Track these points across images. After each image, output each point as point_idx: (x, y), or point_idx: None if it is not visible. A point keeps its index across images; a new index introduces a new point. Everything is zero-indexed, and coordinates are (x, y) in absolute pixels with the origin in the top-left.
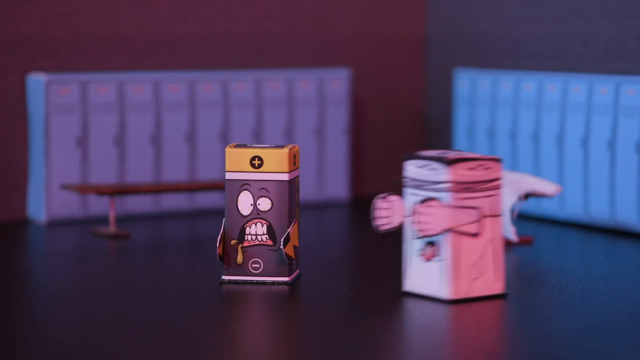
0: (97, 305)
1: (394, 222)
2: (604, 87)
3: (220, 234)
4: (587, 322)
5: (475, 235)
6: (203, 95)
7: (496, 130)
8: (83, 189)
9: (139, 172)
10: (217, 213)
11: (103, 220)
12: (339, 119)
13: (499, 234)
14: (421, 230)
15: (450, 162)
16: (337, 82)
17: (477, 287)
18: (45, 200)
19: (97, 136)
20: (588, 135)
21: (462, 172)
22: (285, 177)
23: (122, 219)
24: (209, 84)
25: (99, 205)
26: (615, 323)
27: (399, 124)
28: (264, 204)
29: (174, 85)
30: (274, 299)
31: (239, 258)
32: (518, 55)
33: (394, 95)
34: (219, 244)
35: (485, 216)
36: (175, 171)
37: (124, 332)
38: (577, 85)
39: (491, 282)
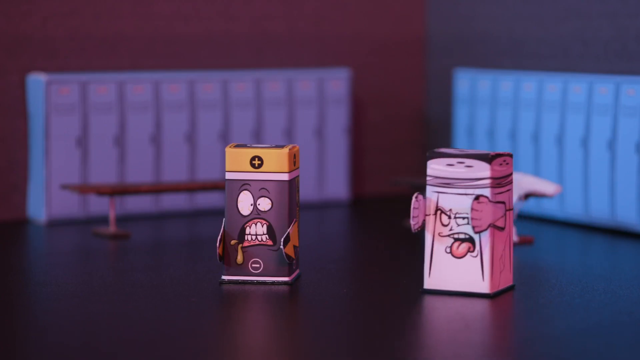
0: (97, 305)
1: (420, 221)
2: (604, 87)
3: (220, 234)
4: (587, 322)
5: (502, 229)
6: (203, 95)
7: (496, 130)
8: (83, 189)
9: (139, 172)
10: (217, 213)
11: (103, 220)
12: (339, 119)
13: (511, 227)
14: (475, 227)
15: (491, 159)
16: (337, 82)
17: (502, 280)
18: (45, 200)
19: (97, 136)
20: (588, 135)
21: (496, 168)
22: (285, 177)
23: (122, 219)
24: (209, 84)
25: (99, 205)
26: (615, 323)
27: (399, 124)
28: (264, 204)
29: (174, 85)
30: (274, 299)
31: (239, 258)
32: (518, 55)
33: (394, 95)
34: (219, 244)
35: (506, 210)
36: (175, 171)
37: (124, 332)
38: (577, 85)
39: (508, 274)
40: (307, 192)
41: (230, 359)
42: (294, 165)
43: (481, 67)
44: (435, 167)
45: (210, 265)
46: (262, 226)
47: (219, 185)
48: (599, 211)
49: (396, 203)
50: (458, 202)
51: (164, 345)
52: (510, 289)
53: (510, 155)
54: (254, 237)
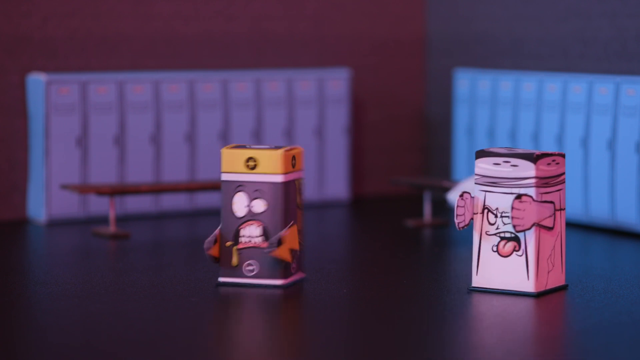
0: (97, 305)
1: (467, 220)
2: (604, 87)
3: (213, 235)
4: (587, 322)
5: (550, 229)
6: (203, 95)
7: (496, 130)
8: (83, 189)
9: (139, 172)
10: (217, 213)
11: (103, 220)
12: (339, 119)
13: (564, 227)
14: (516, 226)
15: (536, 159)
16: (337, 82)
17: (551, 280)
18: (45, 200)
19: (97, 136)
20: (588, 135)
21: (543, 168)
22: (279, 178)
23: (122, 219)
24: (209, 84)
25: (99, 205)
26: (615, 323)
27: (399, 124)
28: (259, 206)
29: (174, 85)
30: (273, 300)
31: (234, 260)
32: (518, 55)
33: (394, 95)
34: (212, 246)
35: (556, 210)
36: (175, 171)
37: (124, 332)
38: (577, 85)
39: (559, 274)
40: (307, 192)
41: (230, 358)
42: (292, 167)
43: (481, 67)
44: (482, 166)
45: (209, 265)
46: (257, 228)
47: (219, 186)
48: (599, 211)
49: (396, 203)
50: (504, 201)
51: (163, 345)
52: (561, 289)
53: (562, 155)
54: (248, 239)
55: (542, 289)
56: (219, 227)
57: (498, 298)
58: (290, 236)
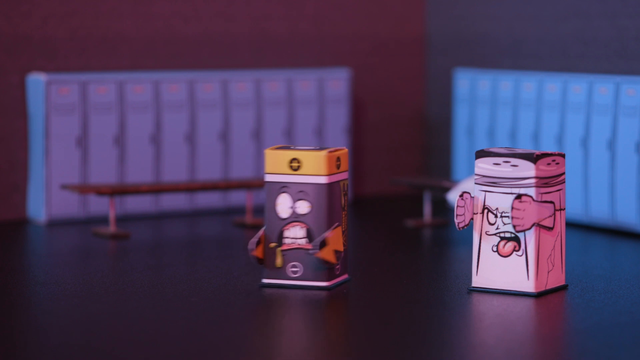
0: (97, 305)
1: (467, 220)
2: (604, 87)
3: (257, 236)
4: (587, 322)
5: (550, 229)
6: (203, 95)
7: (496, 130)
8: (83, 189)
9: (139, 172)
10: (217, 213)
11: (103, 220)
12: (339, 118)
13: (564, 227)
14: (517, 226)
15: (536, 159)
16: (337, 82)
17: (551, 280)
18: (45, 200)
19: (97, 136)
20: (588, 135)
21: (543, 168)
22: (323, 180)
23: (122, 219)
24: (209, 84)
25: (99, 205)
26: (615, 323)
27: (399, 124)
28: (303, 207)
29: (174, 85)
30: (272, 300)
31: (278, 261)
32: (518, 55)
33: (394, 95)
34: (255, 247)
35: (556, 210)
36: (175, 171)
37: (124, 332)
38: (577, 85)
39: (559, 274)
40: None
41: (229, 358)
42: (337, 168)
43: (481, 67)
44: (482, 166)
45: (209, 265)
46: (302, 229)
47: (219, 185)
48: (599, 211)
49: (396, 203)
50: (504, 201)
51: (164, 345)
52: (561, 289)
53: (562, 155)
54: (292, 241)
55: (542, 289)
56: (263, 228)
57: (498, 298)
58: (335, 238)
